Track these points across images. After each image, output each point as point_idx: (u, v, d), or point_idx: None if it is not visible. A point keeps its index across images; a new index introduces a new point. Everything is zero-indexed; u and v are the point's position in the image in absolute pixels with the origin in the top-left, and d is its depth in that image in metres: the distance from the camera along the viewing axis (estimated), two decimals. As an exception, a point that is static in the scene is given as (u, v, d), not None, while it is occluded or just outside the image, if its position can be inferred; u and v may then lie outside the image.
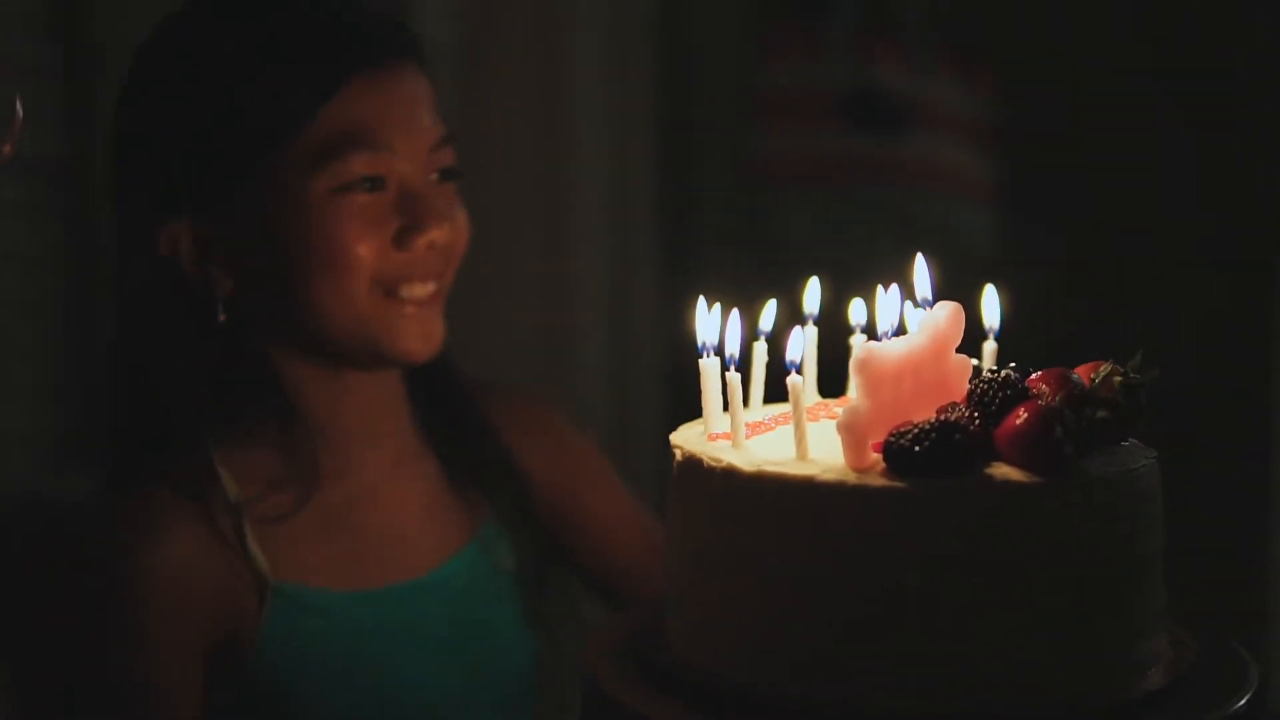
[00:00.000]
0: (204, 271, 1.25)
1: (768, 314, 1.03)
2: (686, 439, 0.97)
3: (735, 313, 1.00)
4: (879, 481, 0.88)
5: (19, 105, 1.10)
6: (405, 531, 1.33)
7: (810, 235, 2.76)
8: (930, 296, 0.96)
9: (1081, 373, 0.93)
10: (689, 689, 0.93)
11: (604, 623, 1.08)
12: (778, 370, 0.99)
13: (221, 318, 1.25)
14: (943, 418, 0.89)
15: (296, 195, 1.22)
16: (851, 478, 0.88)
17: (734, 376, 0.95)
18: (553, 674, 1.40)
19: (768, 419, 1.01)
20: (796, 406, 0.91)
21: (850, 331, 1.09)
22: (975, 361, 0.98)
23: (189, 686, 1.20)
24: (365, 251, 1.23)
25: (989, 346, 1.04)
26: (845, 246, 2.71)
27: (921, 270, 0.98)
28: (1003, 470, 0.88)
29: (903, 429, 0.89)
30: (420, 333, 1.26)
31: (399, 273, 1.25)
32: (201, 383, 1.25)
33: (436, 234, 1.25)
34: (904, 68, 2.68)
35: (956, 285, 1.04)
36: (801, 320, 1.06)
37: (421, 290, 1.26)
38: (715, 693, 0.92)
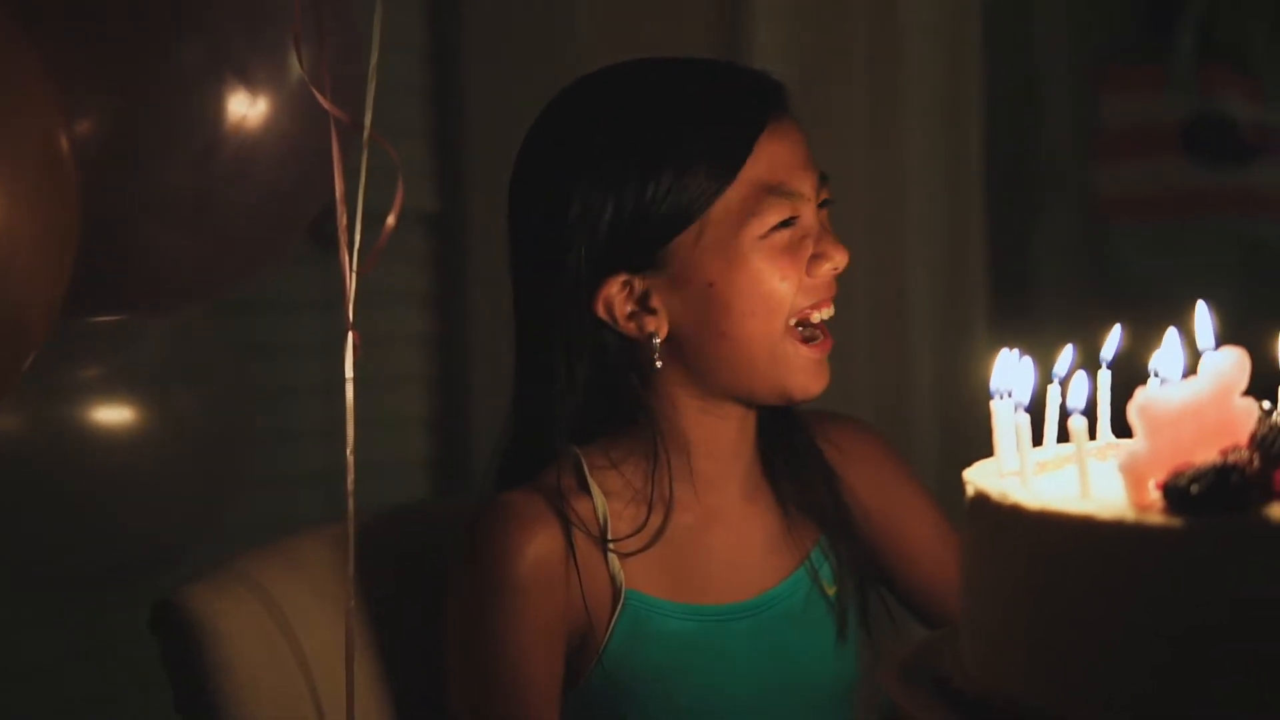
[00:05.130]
0: (638, 322, 1.38)
1: (1062, 360, 1.09)
2: (978, 475, 1.04)
3: (1029, 359, 1.07)
4: (1156, 520, 0.92)
5: (400, 186, 1.26)
6: (746, 556, 1.44)
7: (1152, 269, 2.74)
8: (1212, 343, 1.00)
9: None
10: (982, 712, 1.00)
11: (903, 645, 1.15)
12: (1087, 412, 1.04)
13: (659, 364, 1.37)
14: (1221, 459, 0.93)
15: (727, 248, 1.36)
16: (1130, 516, 0.93)
17: (1022, 417, 1.02)
18: (868, 699, 1.48)
19: (1058, 458, 1.07)
20: (1079, 448, 0.97)
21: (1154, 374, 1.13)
22: (1268, 404, 1.01)
23: (552, 674, 1.35)
24: (788, 287, 1.36)
25: (1286, 389, 1.07)
26: (1189, 279, 2.68)
27: (1203, 316, 1.02)
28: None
29: (1182, 470, 0.94)
30: (816, 371, 1.39)
31: (809, 298, 1.38)
32: (591, 410, 1.39)
33: (840, 258, 1.39)
34: (1248, 96, 2.63)
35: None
36: (1097, 364, 1.11)
37: (827, 313, 1.40)
38: (1008, 716, 0.99)
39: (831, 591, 1.46)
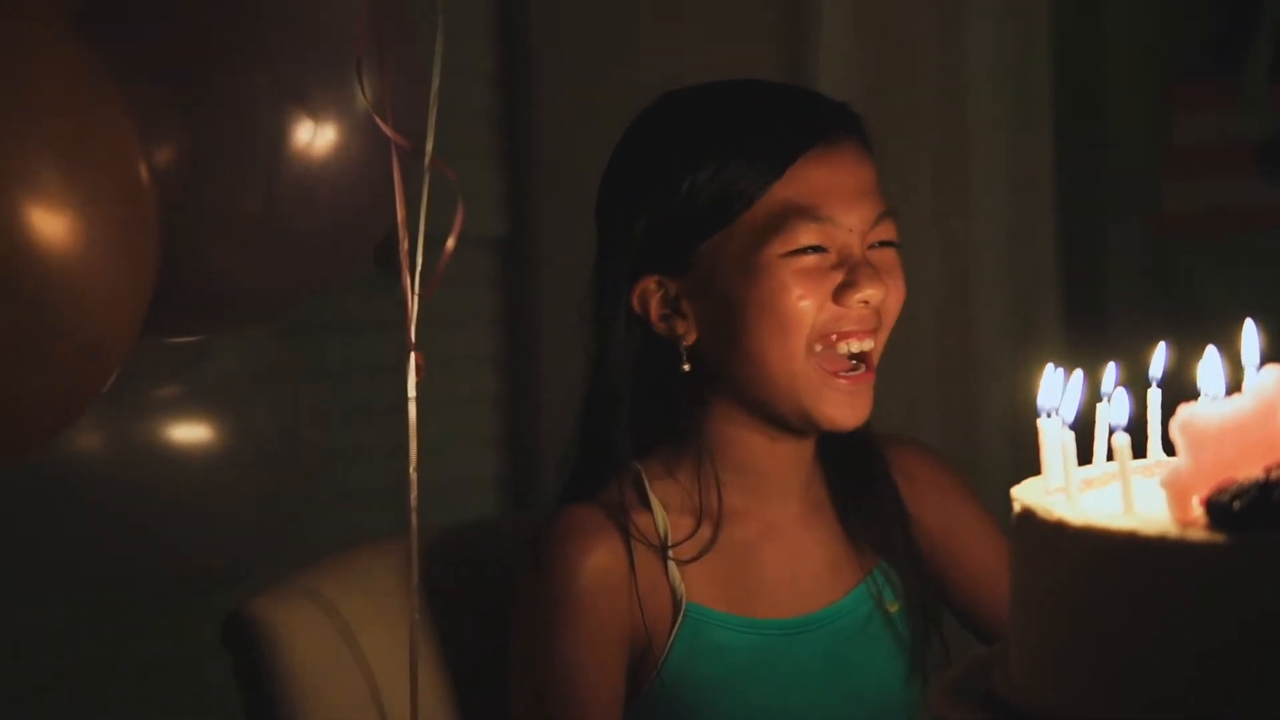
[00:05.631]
0: (669, 324, 1.41)
1: (1108, 377, 1.10)
2: (1024, 492, 1.05)
3: (1078, 373, 1.07)
4: (1198, 536, 0.93)
5: (460, 211, 1.29)
6: (803, 572, 1.45)
7: (1226, 288, 2.72)
8: (1258, 360, 1.01)
9: None
10: (1027, 724, 1.01)
11: (955, 664, 1.16)
12: (1137, 429, 1.05)
13: (686, 367, 1.40)
14: (1264, 475, 0.94)
15: (748, 260, 1.37)
16: (1172, 532, 0.94)
17: (1068, 435, 1.03)
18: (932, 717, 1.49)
19: (1105, 475, 1.08)
20: (1123, 465, 0.98)
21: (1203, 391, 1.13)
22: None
23: (613, 686, 1.36)
24: (807, 306, 1.36)
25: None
26: (1263, 298, 2.65)
27: (1250, 334, 1.03)
28: (1323, 527, 0.92)
29: (1225, 486, 0.94)
30: (848, 403, 1.38)
31: (835, 325, 1.37)
32: (649, 422, 1.41)
33: (871, 291, 1.37)
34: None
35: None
36: (1146, 383, 1.12)
37: (858, 346, 1.38)
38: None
39: (894, 609, 1.47)
